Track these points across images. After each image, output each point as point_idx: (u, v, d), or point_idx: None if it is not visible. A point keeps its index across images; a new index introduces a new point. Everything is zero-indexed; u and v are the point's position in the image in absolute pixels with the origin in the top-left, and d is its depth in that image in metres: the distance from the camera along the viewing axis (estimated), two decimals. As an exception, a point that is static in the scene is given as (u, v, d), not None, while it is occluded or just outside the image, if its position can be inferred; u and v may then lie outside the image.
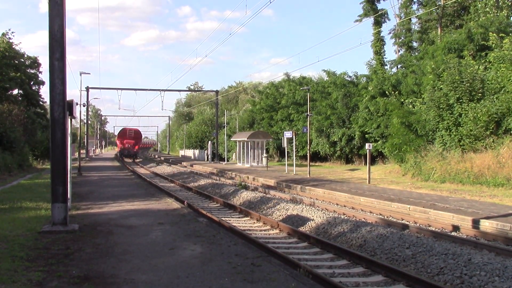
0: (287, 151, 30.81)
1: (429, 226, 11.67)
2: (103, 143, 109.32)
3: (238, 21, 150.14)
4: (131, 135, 58.43)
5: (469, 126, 20.54)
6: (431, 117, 22.80)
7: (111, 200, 14.19)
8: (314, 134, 36.58)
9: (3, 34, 36.60)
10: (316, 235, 10.31)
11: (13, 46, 37.73)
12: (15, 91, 39.54)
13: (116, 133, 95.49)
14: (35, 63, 42.11)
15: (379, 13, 41.07)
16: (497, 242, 9.72)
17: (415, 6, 42.42)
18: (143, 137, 75.72)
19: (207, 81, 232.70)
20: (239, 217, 13.35)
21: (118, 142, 61.71)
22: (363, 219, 12.46)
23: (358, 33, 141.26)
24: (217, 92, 48.06)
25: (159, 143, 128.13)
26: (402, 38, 42.68)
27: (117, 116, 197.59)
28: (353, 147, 34.13)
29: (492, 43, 22.54)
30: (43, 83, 43.13)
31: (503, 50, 20.97)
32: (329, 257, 8.72)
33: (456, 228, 11.08)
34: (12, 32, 37.79)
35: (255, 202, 15.51)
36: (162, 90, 45.17)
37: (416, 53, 37.39)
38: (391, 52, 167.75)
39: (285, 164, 30.65)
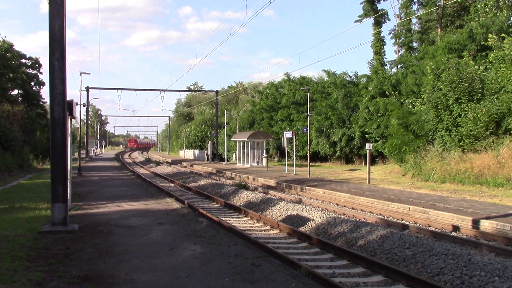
0: (287, 151, 30.80)
1: (429, 226, 11.66)
2: (103, 143, 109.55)
3: (239, 21, 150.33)
4: (132, 140, 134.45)
5: (469, 126, 20.52)
6: (430, 117, 22.79)
7: (111, 200, 14.19)
8: (314, 134, 36.56)
9: None
10: (316, 235, 10.31)
11: (12, 47, 37.67)
12: (15, 91, 39.51)
13: (116, 133, 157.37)
14: (36, 64, 42.07)
15: (379, 13, 41.09)
16: (497, 242, 9.72)
17: (415, 7, 42.49)
18: (143, 137, 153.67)
19: (207, 81, 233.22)
20: (239, 217, 13.34)
21: (128, 143, 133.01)
22: (363, 219, 12.46)
23: (358, 33, 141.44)
24: (217, 92, 48.04)
25: (159, 143, 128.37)
26: (402, 38, 42.67)
27: (117, 116, 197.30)
28: (353, 147, 34.11)
29: (492, 43, 22.51)
30: (43, 83, 43.12)
31: (503, 50, 20.95)
32: (329, 257, 8.72)
33: (456, 228, 11.08)
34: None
35: (255, 202, 15.50)
36: (162, 90, 45.24)
37: (416, 53, 37.37)
38: (391, 52, 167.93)
39: (285, 164, 30.64)
